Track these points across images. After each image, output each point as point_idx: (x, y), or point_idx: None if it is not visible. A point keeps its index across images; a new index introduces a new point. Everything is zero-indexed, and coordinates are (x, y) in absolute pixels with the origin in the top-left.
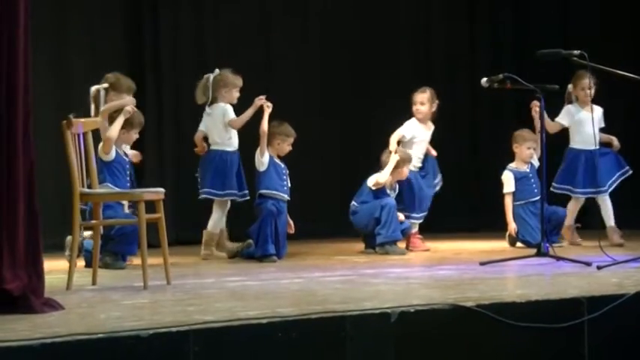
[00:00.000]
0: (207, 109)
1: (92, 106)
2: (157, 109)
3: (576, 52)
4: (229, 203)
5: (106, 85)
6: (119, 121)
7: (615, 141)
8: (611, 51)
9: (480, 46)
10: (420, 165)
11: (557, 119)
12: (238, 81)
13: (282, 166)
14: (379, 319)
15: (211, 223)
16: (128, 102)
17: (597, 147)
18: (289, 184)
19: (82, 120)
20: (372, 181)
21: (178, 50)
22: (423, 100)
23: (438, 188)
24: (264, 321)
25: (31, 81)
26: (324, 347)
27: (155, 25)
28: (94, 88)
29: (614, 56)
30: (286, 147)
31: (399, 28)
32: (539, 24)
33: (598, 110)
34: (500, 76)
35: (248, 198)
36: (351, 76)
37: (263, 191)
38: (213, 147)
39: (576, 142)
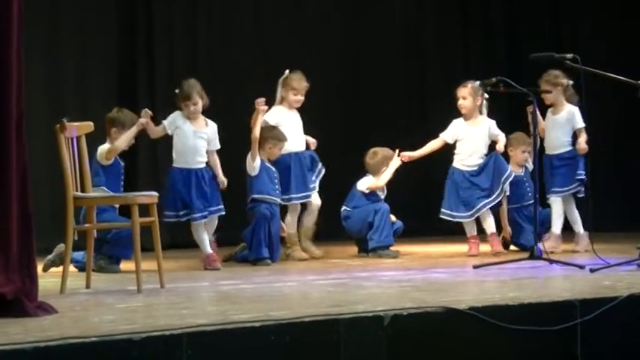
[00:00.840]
0: None
1: None
2: (150, 109)
3: (569, 55)
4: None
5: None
6: (131, 132)
7: (580, 144)
8: (604, 51)
9: (473, 49)
10: (476, 162)
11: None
12: (295, 83)
13: (274, 170)
14: (372, 322)
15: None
16: (142, 115)
17: (557, 150)
18: (280, 188)
19: (76, 124)
20: (364, 185)
21: (172, 49)
22: (465, 95)
23: (505, 185)
24: (258, 324)
25: (24, 83)
26: (317, 350)
27: (148, 24)
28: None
29: (608, 56)
30: (277, 151)
31: (389, 32)
32: (531, 25)
33: (566, 112)
34: (494, 79)
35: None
36: (345, 77)
37: (255, 196)
38: None
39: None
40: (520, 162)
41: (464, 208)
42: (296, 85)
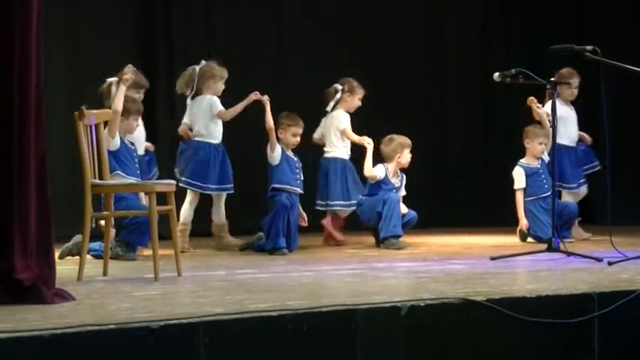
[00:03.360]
0: (190, 100)
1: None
2: (168, 100)
3: (589, 47)
4: (199, 196)
5: (116, 79)
6: (121, 91)
7: (587, 137)
8: (626, 46)
9: (492, 40)
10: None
11: (544, 109)
12: (224, 73)
13: (295, 159)
14: (389, 313)
15: (183, 214)
16: (125, 71)
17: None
18: (302, 178)
19: (95, 111)
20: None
21: (190, 39)
22: None
23: None
24: (275, 314)
25: (43, 70)
26: (334, 340)
27: (167, 13)
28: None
29: (628, 51)
30: (290, 137)
31: (411, 23)
32: (551, 18)
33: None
34: (513, 70)
35: (232, 192)
36: (361, 67)
37: (276, 185)
38: (197, 138)
39: (562, 138)
40: (537, 154)
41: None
42: (223, 74)
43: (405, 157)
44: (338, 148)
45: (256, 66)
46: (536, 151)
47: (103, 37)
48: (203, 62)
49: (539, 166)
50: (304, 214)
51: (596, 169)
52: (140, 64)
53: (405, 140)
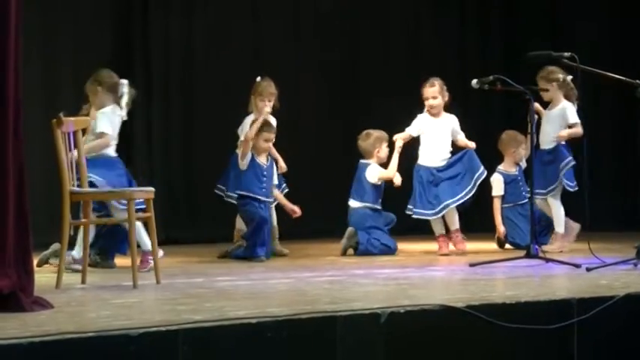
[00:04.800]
0: None
1: None
2: (146, 108)
3: (567, 54)
4: None
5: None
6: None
7: (561, 132)
8: (603, 50)
9: (470, 47)
10: (442, 158)
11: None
12: (262, 88)
13: (264, 167)
14: (369, 320)
15: None
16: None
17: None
18: (270, 184)
19: (73, 118)
20: (373, 175)
21: (168, 48)
22: (435, 94)
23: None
24: (254, 321)
25: (22, 80)
26: (314, 347)
27: (144, 22)
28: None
29: (607, 55)
30: (261, 142)
31: (388, 30)
32: (529, 25)
33: (559, 108)
34: (491, 77)
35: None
36: (341, 75)
37: (240, 192)
38: None
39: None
40: (515, 160)
41: (430, 206)
42: (261, 91)
43: (384, 150)
44: (421, 156)
45: (234, 66)
46: (512, 157)
47: (79, 45)
48: (258, 79)
49: (517, 173)
50: (296, 208)
51: (570, 165)
52: (117, 71)
53: (381, 134)
